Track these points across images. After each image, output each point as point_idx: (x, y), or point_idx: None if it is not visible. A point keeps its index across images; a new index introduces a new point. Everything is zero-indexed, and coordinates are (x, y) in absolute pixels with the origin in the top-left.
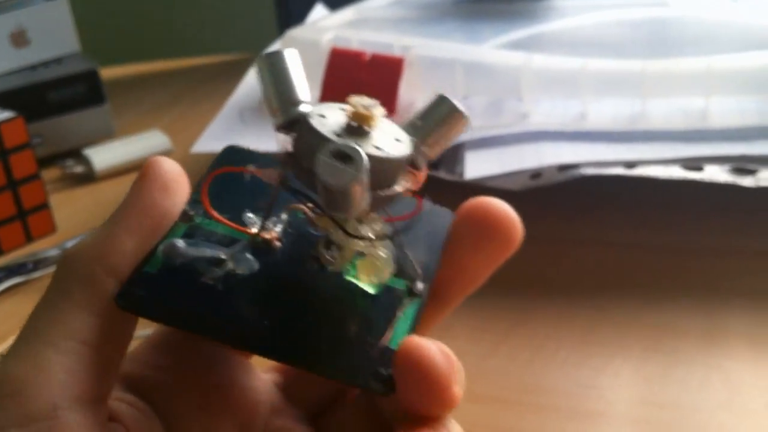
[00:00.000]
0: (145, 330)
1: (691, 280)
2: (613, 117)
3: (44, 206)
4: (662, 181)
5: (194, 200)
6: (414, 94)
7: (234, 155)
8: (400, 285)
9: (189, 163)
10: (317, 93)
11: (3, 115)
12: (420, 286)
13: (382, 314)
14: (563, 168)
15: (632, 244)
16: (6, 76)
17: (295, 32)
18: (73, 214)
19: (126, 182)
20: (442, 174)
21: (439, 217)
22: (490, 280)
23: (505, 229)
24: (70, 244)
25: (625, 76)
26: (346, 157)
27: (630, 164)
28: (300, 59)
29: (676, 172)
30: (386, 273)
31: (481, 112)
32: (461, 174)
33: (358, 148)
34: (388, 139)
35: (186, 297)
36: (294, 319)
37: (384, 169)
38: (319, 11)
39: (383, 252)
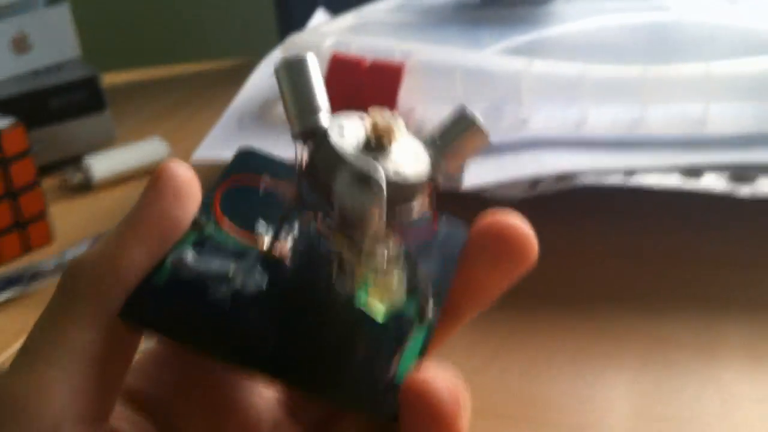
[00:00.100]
0: (146, 342)
1: (687, 291)
2: (613, 123)
3: (43, 215)
4: (659, 192)
5: (206, 207)
6: (414, 100)
7: (249, 159)
8: (411, 309)
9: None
10: None
11: (3, 123)
12: (431, 310)
13: (391, 340)
14: (561, 177)
15: (627, 255)
16: (6, 82)
17: (296, 38)
18: (72, 223)
19: (125, 191)
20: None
21: (453, 232)
22: None
23: (521, 246)
24: (68, 254)
25: (625, 82)
26: (365, 179)
27: (629, 172)
28: (318, 66)
29: (675, 181)
30: (397, 296)
31: (481, 118)
32: (458, 182)
33: (377, 171)
34: (408, 155)
35: (191, 314)
36: (300, 342)
37: (402, 189)
38: (319, 17)
39: (396, 275)
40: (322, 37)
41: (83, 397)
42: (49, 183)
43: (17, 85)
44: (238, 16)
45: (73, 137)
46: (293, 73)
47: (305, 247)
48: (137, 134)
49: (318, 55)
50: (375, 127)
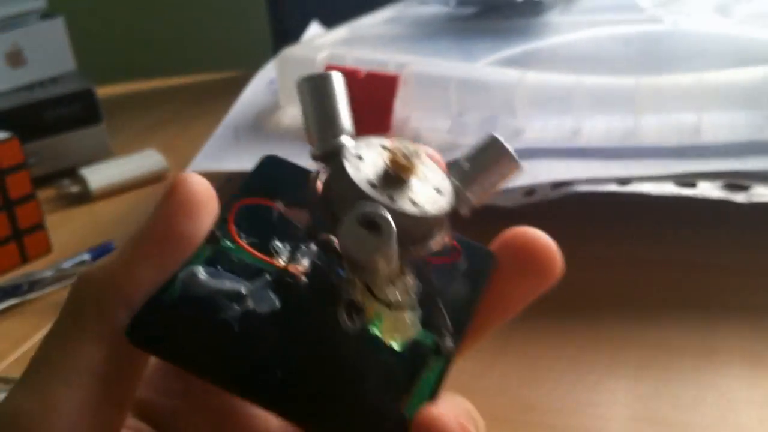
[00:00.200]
0: None
1: (686, 296)
2: (607, 133)
3: (40, 227)
4: (656, 197)
5: (223, 220)
6: (409, 112)
7: (272, 166)
8: (428, 340)
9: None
10: None
11: None
12: (449, 343)
13: (405, 373)
14: (557, 185)
15: (626, 261)
16: (2, 95)
17: (291, 50)
18: (69, 234)
19: (122, 202)
20: None
21: (479, 259)
22: None
23: (545, 262)
24: (66, 265)
25: (618, 92)
26: (372, 225)
27: (623, 181)
28: (344, 84)
29: (669, 189)
30: (411, 333)
31: (475, 129)
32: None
33: (386, 216)
34: (428, 189)
35: (195, 338)
36: (307, 373)
37: (418, 227)
38: (314, 29)
39: (408, 315)
40: (317, 49)
41: (92, 415)
42: (46, 194)
43: (13, 98)
44: (232, 29)
45: (68, 149)
46: (317, 90)
47: (321, 271)
48: (132, 146)
49: (312, 67)
50: (394, 163)
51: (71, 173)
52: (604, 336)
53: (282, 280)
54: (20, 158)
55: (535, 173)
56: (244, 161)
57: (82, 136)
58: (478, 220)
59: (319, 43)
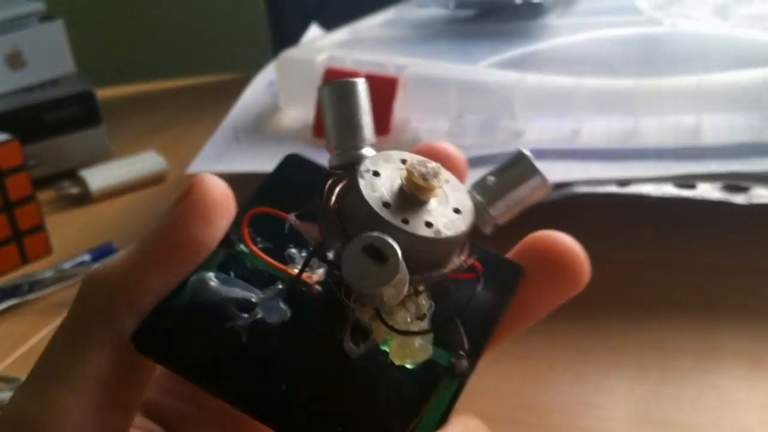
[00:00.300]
0: None
1: (686, 297)
2: (606, 134)
3: (40, 228)
4: (656, 199)
5: (238, 224)
6: (408, 113)
7: (293, 169)
8: (443, 359)
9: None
10: (312, 113)
11: None
12: (464, 365)
13: (415, 394)
14: (556, 187)
15: (626, 261)
16: (2, 97)
17: (291, 52)
18: (69, 235)
19: (122, 203)
20: None
21: (505, 273)
22: None
23: (572, 268)
24: (66, 265)
25: (618, 94)
26: (379, 254)
27: (623, 182)
28: (368, 91)
29: (669, 190)
30: (421, 358)
31: (475, 131)
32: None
33: (393, 246)
34: (446, 210)
35: (200, 348)
36: (314, 388)
37: (432, 250)
38: (313, 31)
39: (418, 339)
40: (317, 51)
41: (98, 420)
42: (46, 196)
43: (13, 100)
44: (232, 31)
45: (68, 151)
46: (338, 97)
47: (333, 284)
48: (132, 148)
49: (312, 69)
50: (410, 183)
51: (71, 175)
52: (604, 337)
53: (295, 289)
54: (20, 160)
55: None
56: (244, 163)
57: (82, 137)
58: None
59: (319, 45)
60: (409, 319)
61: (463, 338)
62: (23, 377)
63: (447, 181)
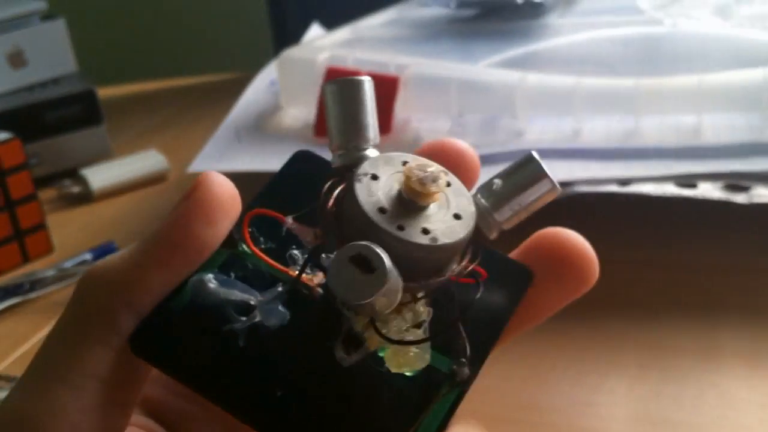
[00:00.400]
0: None
1: (686, 297)
2: (607, 134)
3: (41, 226)
4: (656, 198)
5: (242, 223)
6: (409, 113)
7: (302, 166)
8: (444, 366)
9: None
10: (313, 112)
11: (0, 137)
12: (466, 372)
13: (414, 402)
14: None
15: (627, 261)
16: (3, 96)
17: (292, 52)
18: (71, 234)
19: (123, 202)
20: None
21: (513, 276)
22: None
23: (581, 266)
24: (67, 264)
25: (618, 93)
26: (366, 263)
27: (623, 182)
28: (373, 90)
29: (670, 190)
30: (418, 367)
31: (476, 131)
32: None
33: (381, 255)
34: (446, 216)
35: (198, 353)
36: (312, 394)
37: (429, 257)
38: (315, 31)
39: (414, 349)
40: (318, 51)
41: (95, 418)
42: (47, 194)
43: (14, 99)
44: (234, 31)
45: (69, 150)
46: (343, 97)
47: (327, 291)
48: (133, 147)
49: (313, 69)
50: (408, 189)
51: (72, 174)
52: (604, 336)
53: (295, 292)
54: (21, 159)
55: None
56: (245, 162)
57: (83, 136)
58: None
59: (320, 44)
60: (404, 328)
61: (466, 345)
62: None
63: (449, 185)
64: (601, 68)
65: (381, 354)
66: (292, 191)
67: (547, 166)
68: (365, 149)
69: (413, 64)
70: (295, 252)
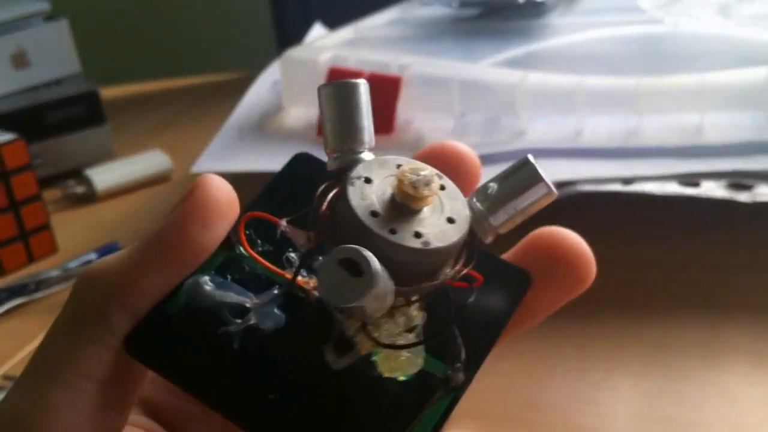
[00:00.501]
0: None
1: (689, 295)
2: (609, 133)
3: (46, 227)
4: (659, 197)
5: (238, 225)
6: (411, 113)
7: (303, 166)
8: (439, 371)
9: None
10: (316, 112)
11: (4, 138)
12: (460, 377)
13: (407, 407)
14: (560, 185)
15: (630, 259)
16: (6, 97)
17: (294, 52)
18: (75, 234)
19: (127, 202)
20: None
21: (511, 279)
22: None
23: (578, 266)
24: (72, 264)
25: (620, 92)
26: (355, 267)
27: (626, 181)
28: (369, 93)
29: (673, 188)
30: (411, 371)
31: (478, 130)
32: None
33: (369, 259)
34: (439, 219)
35: (192, 356)
36: (305, 398)
37: (421, 261)
38: (317, 30)
39: (405, 353)
40: (320, 51)
41: (91, 419)
42: (51, 195)
43: (17, 100)
44: (236, 31)
45: (73, 151)
46: (339, 99)
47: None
48: (136, 147)
49: (316, 69)
50: (401, 192)
51: (76, 174)
52: (607, 335)
53: (292, 294)
54: (26, 159)
55: None
56: (249, 161)
57: (87, 137)
58: None
59: (322, 44)
60: (396, 332)
61: (461, 350)
62: None
63: (443, 188)
64: (602, 67)
65: (374, 358)
66: (290, 193)
67: (544, 168)
68: (360, 152)
69: (415, 64)
70: (292, 255)
